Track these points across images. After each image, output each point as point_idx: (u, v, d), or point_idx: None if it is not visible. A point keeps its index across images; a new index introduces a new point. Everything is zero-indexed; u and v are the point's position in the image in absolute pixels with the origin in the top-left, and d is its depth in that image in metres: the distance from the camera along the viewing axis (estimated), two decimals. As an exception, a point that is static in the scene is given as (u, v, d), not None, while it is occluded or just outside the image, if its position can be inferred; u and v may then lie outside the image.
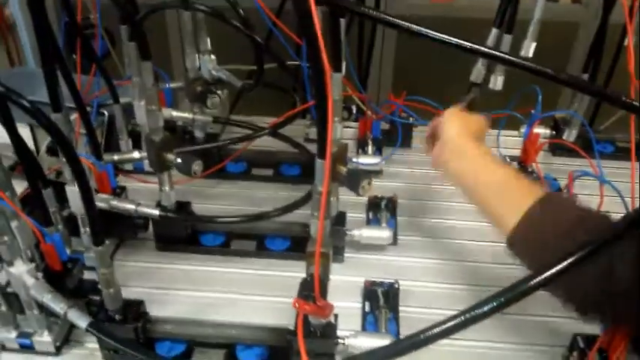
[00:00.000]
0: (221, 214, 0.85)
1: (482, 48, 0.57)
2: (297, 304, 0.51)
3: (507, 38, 0.88)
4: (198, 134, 0.96)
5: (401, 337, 0.71)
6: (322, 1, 0.51)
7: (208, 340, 0.69)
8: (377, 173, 1.01)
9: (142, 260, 0.83)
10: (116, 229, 0.82)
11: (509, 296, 0.44)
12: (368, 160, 0.99)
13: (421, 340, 0.45)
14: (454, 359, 0.70)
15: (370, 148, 1.02)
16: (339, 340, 0.66)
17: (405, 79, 1.30)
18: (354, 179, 0.74)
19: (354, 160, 0.99)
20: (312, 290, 0.55)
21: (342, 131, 1.02)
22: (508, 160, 0.97)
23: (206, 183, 0.96)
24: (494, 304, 0.44)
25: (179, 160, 0.74)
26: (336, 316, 0.67)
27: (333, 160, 0.74)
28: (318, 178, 0.55)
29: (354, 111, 1.08)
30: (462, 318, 0.44)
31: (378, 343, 0.67)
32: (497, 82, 0.90)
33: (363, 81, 1.24)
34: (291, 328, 0.65)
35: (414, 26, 0.52)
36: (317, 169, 0.54)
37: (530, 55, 0.87)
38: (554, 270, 0.44)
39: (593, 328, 0.66)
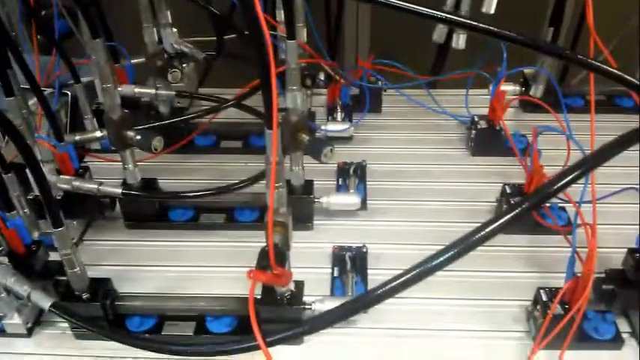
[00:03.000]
0: (190, 188, 0.85)
1: (440, 13, 0.57)
2: (251, 275, 0.51)
3: (468, -5, 0.87)
4: (163, 109, 0.95)
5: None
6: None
7: (177, 313, 0.70)
8: (347, 139, 1.01)
9: (112, 239, 0.83)
10: (83, 210, 0.82)
11: (461, 247, 0.44)
12: (337, 127, 0.99)
13: (373, 297, 0.46)
14: (417, 317, 0.71)
15: (339, 115, 1.02)
16: (306, 306, 0.67)
17: (384, 45, 1.28)
18: (317, 147, 0.74)
19: (323, 127, 0.98)
20: (277, 259, 0.55)
21: (307, 99, 1.03)
22: (476, 119, 0.97)
23: (175, 158, 0.96)
24: (447, 255, 0.44)
25: (138, 137, 0.73)
26: (302, 282, 0.68)
27: (293, 128, 0.75)
28: (268, 148, 0.55)
29: (322, 78, 1.07)
30: (416, 271, 0.45)
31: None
32: (459, 41, 0.90)
33: (332, 47, 1.23)
34: (259, 297, 0.66)
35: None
36: (266, 139, 0.54)
37: (492, 11, 0.86)
38: (499, 221, 0.44)
39: (557, 282, 0.67)
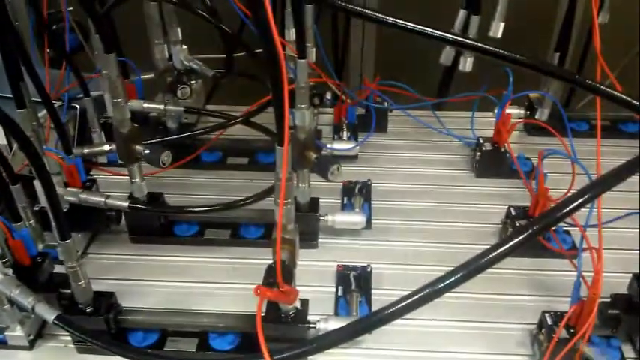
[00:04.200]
0: (195, 204, 0.85)
1: (449, 35, 0.57)
2: (258, 291, 0.51)
3: (475, 19, 0.87)
4: (171, 125, 0.96)
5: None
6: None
7: (180, 328, 0.70)
8: (352, 158, 1.01)
9: (116, 253, 0.83)
10: (88, 223, 0.82)
11: (468, 271, 0.44)
12: (342, 146, 0.99)
13: (383, 317, 0.46)
14: (423, 339, 0.71)
15: (345, 134, 1.02)
16: (310, 325, 0.67)
17: (390, 66, 1.29)
18: (323, 165, 0.75)
19: (329, 145, 0.99)
20: (284, 276, 0.55)
21: (314, 118, 1.03)
22: (481, 141, 0.97)
23: (181, 174, 0.96)
24: (454, 277, 0.44)
25: (147, 152, 0.74)
26: (307, 300, 0.68)
27: (301, 146, 0.75)
28: (277, 165, 0.55)
29: (329, 97, 1.08)
30: (425, 292, 0.45)
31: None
32: (466, 63, 0.91)
33: (339, 67, 1.25)
34: (263, 314, 0.66)
35: (375, 14, 0.51)
36: (276, 155, 0.54)
37: (499, 35, 0.87)
38: (506, 245, 0.44)
39: (562, 305, 0.66)
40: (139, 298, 0.76)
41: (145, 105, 0.91)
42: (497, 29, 0.86)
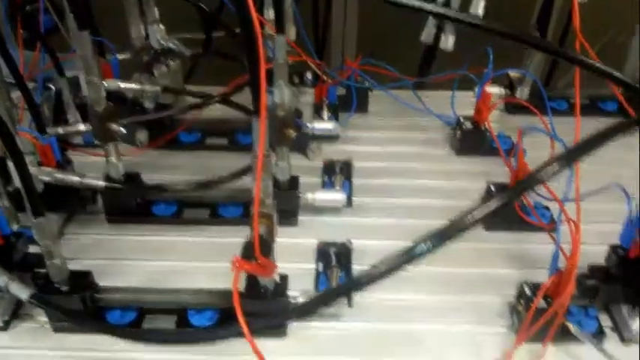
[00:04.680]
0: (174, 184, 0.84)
1: (429, 6, 0.57)
2: (236, 263, 0.51)
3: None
4: (149, 105, 0.94)
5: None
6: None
7: (158, 306, 0.69)
8: (333, 138, 1.01)
9: (93, 233, 0.82)
10: (63, 203, 0.81)
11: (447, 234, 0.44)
12: (323, 126, 0.98)
13: (362, 281, 0.46)
14: (401, 313, 0.71)
15: (326, 114, 1.02)
16: (291, 300, 0.66)
17: (372, 46, 1.28)
18: (303, 143, 0.74)
19: (310, 125, 0.98)
20: (263, 249, 0.55)
21: (297, 98, 1.03)
22: (462, 119, 0.97)
23: (159, 155, 0.95)
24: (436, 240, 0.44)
25: (123, 130, 0.73)
26: (286, 276, 0.67)
27: (281, 123, 0.75)
28: (254, 137, 0.54)
29: (309, 77, 1.07)
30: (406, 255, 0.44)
31: (327, 302, 0.67)
32: (448, 41, 0.90)
33: (320, 47, 1.23)
34: (242, 290, 0.66)
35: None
36: (253, 127, 0.53)
37: (480, 12, 0.87)
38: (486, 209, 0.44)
39: (541, 278, 0.67)
40: (118, 278, 0.74)
41: (122, 85, 0.90)
42: (478, 5, 0.85)
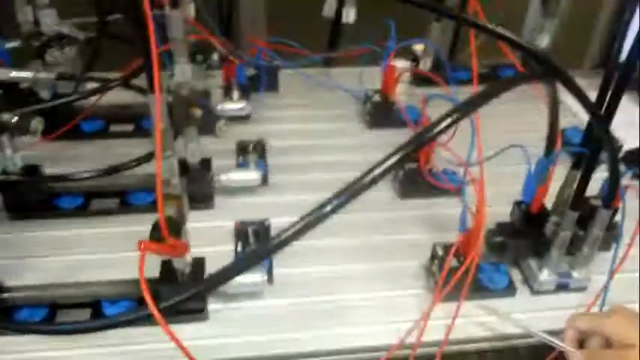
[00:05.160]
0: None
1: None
2: (141, 245, 0.49)
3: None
4: (44, 94, 0.89)
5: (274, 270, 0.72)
6: None
7: (70, 301, 0.66)
8: (244, 119, 1.00)
9: (-6, 232, 0.77)
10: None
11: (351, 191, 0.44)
12: (233, 106, 0.96)
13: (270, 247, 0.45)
14: (321, 286, 0.72)
15: (235, 94, 1.00)
16: (209, 282, 0.65)
17: (280, 23, 1.25)
18: (209, 122, 0.73)
19: (219, 106, 0.96)
20: (170, 229, 0.53)
21: (203, 77, 1.00)
22: (369, 93, 0.99)
23: (61, 146, 0.90)
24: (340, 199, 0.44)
25: (15, 119, 0.68)
26: (203, 259, 0.66)
27: (185, 103, 0.73)
28: (152, 114, 0.52)
29: (216, 58, 1.05)
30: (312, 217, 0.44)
31: (244, 280, 0.67)
32: (349, 14, 0.91)
33: (226, 25, 1.20)
34: (158, 277, 0.64)
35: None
36: (150, 104, 0.51)
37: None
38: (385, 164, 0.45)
39: (454, 238, 0.69)
40: (27, 276, 0.70)
41: (13, 74, 0.84)
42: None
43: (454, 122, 0.43)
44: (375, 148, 0.95)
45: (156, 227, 0.53)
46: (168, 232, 0.53)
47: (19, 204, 0.78)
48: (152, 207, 0.79)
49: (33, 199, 0.78)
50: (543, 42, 1.07)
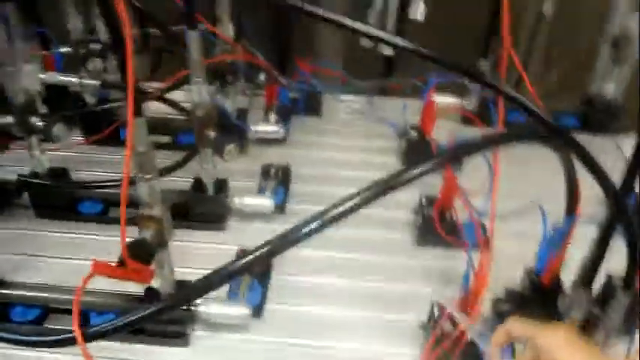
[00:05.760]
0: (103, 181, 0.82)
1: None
2: (92, 266, 0.49)
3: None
4: (89, 99, 0.93)
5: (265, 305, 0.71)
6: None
7: (61, 305, 0.68)
8: (280, 142, 0.99)
9: (14, 227, 0.81)
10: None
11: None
12: (266, 128, 0.97)
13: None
14: (314, 328, 0.70)
15: (273, 117, 0.99)
16: (193, 308, 0.65)
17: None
18: (220, 144, 0.72)
19: (253, 128, 0.96)
20: (136, 253, 0.53)
21: (250, 99, 1.01)
22: (409, 129, 0.95)
23: (98, 149, 0.94)
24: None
25: (39, 123, 0.71)
26: (189, 281, 0.66)
27: (200, 124, 0.73)
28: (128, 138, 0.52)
29: (262, 78, 1.05)
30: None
31: (230, 311, 0.66)
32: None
33: (279, 47, 1.20)
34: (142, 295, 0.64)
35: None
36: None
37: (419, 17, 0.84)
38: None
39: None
40: (34, 273, 0.74)
41: (60, 78, 0.89)
42: (417, 11, 0.83)
43: (429, 171, 0.40)
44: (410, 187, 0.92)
45: (130, 248, 0.53)
46: (135, 256, 0.52)
47: (43, 204, 0.81)
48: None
49: (55, 201, 0.81)
50: (609, 91, 0.98)
